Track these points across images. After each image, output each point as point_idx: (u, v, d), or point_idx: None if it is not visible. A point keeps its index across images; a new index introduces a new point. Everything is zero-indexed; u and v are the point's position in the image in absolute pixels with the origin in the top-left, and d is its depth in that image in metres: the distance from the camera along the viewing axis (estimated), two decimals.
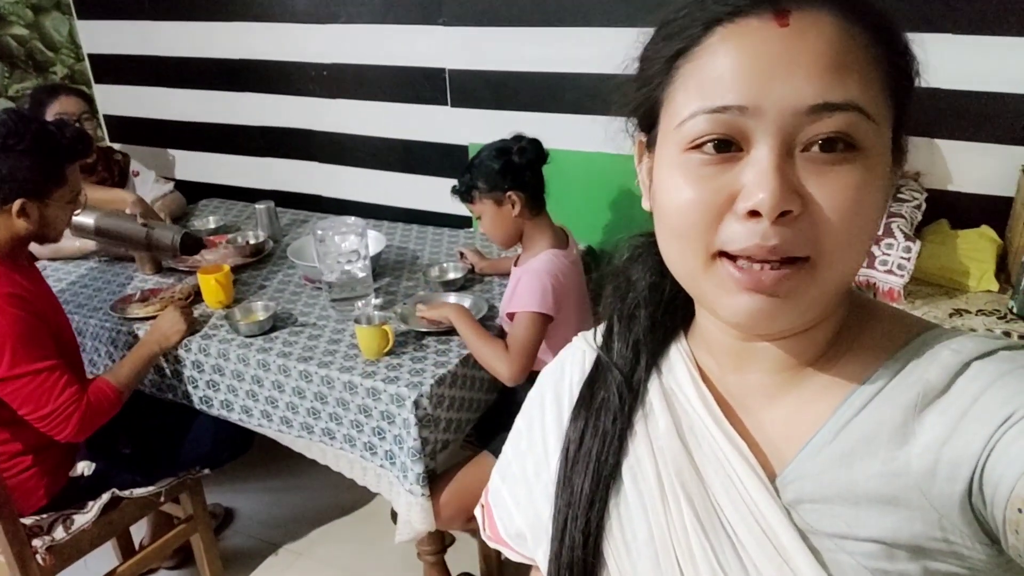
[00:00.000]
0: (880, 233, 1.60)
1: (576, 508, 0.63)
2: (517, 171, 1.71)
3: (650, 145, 0.58)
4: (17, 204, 1.59)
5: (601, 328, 0.70)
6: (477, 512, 0.80)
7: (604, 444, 0.63)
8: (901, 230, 1.59)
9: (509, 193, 1.70)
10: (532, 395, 0.75)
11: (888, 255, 1.59)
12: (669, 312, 0.67)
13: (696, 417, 0.61)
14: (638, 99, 0.58)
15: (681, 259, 0.55)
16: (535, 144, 1.75)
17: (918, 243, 1.58)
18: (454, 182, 1.80)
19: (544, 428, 0.71)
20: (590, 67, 2.10)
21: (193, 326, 1.88)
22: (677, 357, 0.65)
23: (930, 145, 1.81)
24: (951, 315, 1.57)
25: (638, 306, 0.67)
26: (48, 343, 1.62)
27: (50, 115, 2.38)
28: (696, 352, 0.65)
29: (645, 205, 0.61)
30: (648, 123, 0.58)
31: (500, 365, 1.63)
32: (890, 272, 1.57)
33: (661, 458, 0.61)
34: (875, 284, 1.61)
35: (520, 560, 0.75)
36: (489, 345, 1.66)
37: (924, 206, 1.74)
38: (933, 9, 1.70)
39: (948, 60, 1.69)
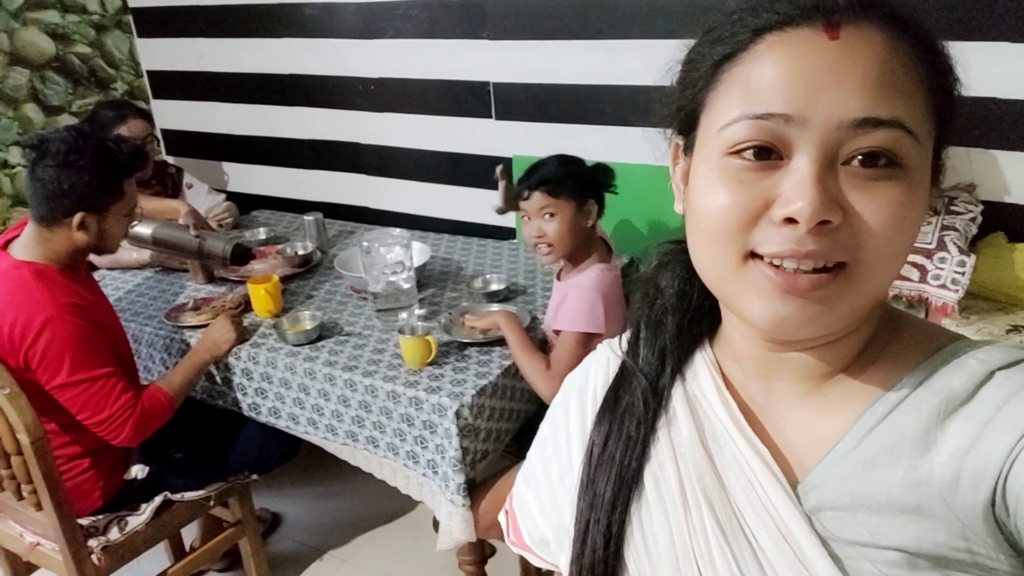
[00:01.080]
0: (933, 247, 1.57)
1: (598, 511, 0.63)
2: (600, 187, 1.75)
3: (687, 148, 0.59)
4: (77, 218, 1.65)
5: (626, 335, 0.70)
6: (501, 518, 0.81)
7: (627, 448, 0.64)
8: (955, 244, 1.55)
9: (591, 200, 1.71)
10: (557, 401, 0.75)
11: (941, 269, 1.55)
12: (696, 319, 0.67)
13: (719, 424, 0.61)
14: (680, 101, 0.58)
15: (712, 261, 0.55)
16: (613, 173, 1.78)
17: (973, 257, 1.54)
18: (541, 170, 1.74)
19: (568, 434, 0.71)
20: (632, 79, 2.10)
21: (243, 335, 1.93)
22: (702, 364, 0.65)
23: (985, 156, 1.76)
24: (1008, 331, 1.52)
25: (665, 313, 0.67)
26: (106, 351, 1.68)
27: None
28: (721, 359, 0.65)
29: (678, 208, 0.61)
30: (687, 126, 0.58)
31: (540, 382, 1.64)
32: (943, 287, 1.54)
33: (683, 464, 0.61)
34: (928, 299, 1.57)
35: (543, 566, 0.76)
36: (532, 359, 1.66)
37: (980, 219, 1.70)
38: (987, 17, 1.66)
39: (1005, 69, 1.65)
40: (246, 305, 2.09)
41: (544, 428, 0.76)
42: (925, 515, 0.50)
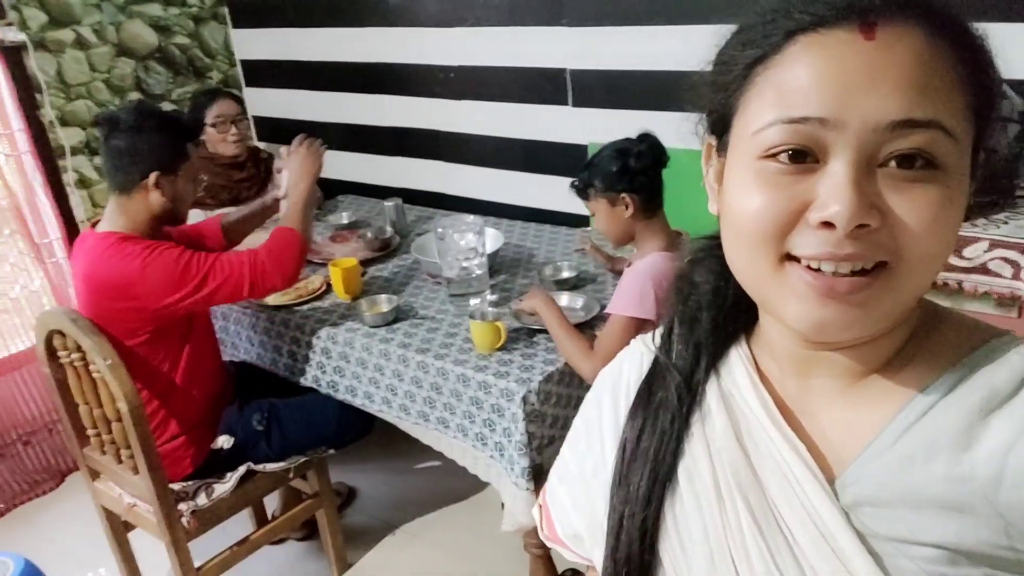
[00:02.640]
0: None
1: (633, 505, 0.64)
2: (633, 174, 1.70)
3: (720, 149, 0.58)
4: (153, 177, 1.79)
5: (660, 330, 0.70)
6: (535, 512, 0.81)
7: (662, 443, 0.64)
8: None
9: (623, 195, 1.70)
10: (590, 397, 0.75)
11: None
12: (731, 316, 0.66)
13: (754, 419, 0.61)
14: (712, 103, 0.58)
15: (750, 264, 0.54)
16: (655, 147, 1.72)
17: None
18: (572, 180, 1.81)
19: (602, 428, 0.71)
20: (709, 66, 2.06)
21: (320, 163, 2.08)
22: (737, 360, 0.65)
23: None
24: None
25: (700, 309, 0.67)
26: (206, 255, 1.84)
27: (210, 117, 2.64)
28: (758, 355, 0.65)
29: (712, 209, 0.61)
30: (721, 127, 0.58)
31: (583, 363, 1.63)
32: None
33: (718, 459, 0.61)
34: (1021, 297, 1.49)
35: (577, 560, 0.76)
36: (573, 340, 1.67)
37: None
38: None
39: None
40: (327, 287, 2.17)
41: (577, 423, 0.76)
42: (967, 512, 0.50)
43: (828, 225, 0.48)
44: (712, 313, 0.66)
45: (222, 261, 1.82)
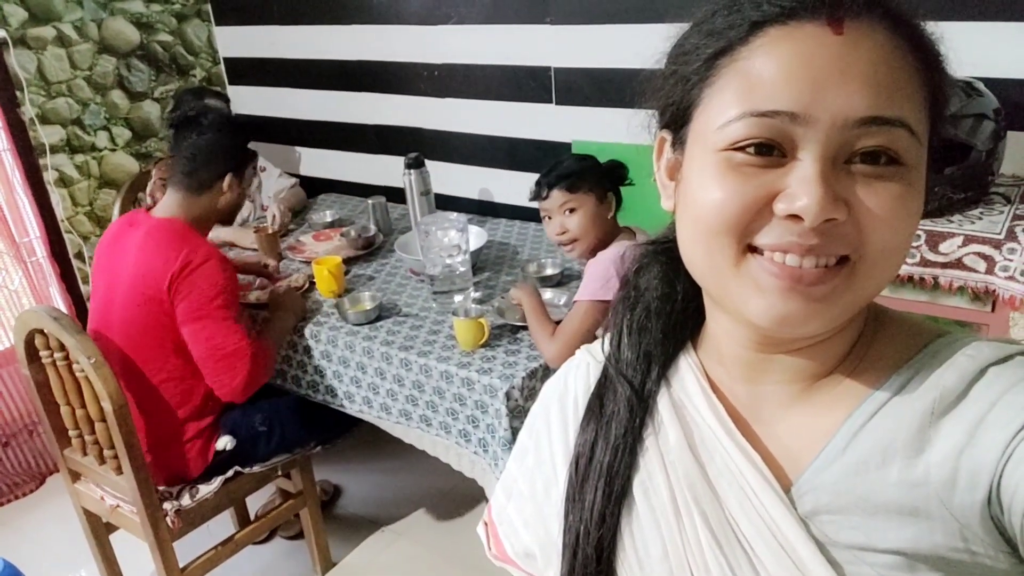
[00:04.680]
0: (1003, 237, 1.50)
1: (588, 524, 0.62)
2: (617, 180, 1.77)
3: (677, 143, 0.57)
4: (228, 179, 1.88)
5: (607, 340, 0.67)
6: (480, 530, 0.78)
7: (615, 457, 0.62)
8: None
9: (610, 192, 1.73)
10: (536, 411, 0.73)
11: (1011, 260, 1.49)
12: (679, 323, 0.65)
13: (707, 429, 0.59)
14: (671, 96, 0.56)
15: (709, 257, 0.53)
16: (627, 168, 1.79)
17: None
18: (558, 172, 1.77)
19: (552, 444, 0.69)
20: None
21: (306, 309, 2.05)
22: (687, 368, 0.63)
23: None
24: None
25: (648, 316, 0.65)
26: (237, 300, 1.88)
27: None
28: (706, 362, 0.63)
29: (666, 205, 0.59)
30: (679, 120, 0.56)
31: (544, 345, 1.66)
32: (1012, 279, 1.47)
33: (673, 472, 0.59)
34: (995, 291, 1.51)
35: None
36: (541, 325, 1.69)
37: None
38: None
39: None
40: (310, 284, 2.17)
41: (523, 438, 0.73)
42: (922, 516, 0.50)
43: (795, 218, 0.48)
44: (661, 321, 0.65)
45: (240, 329, 1.81)
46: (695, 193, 0.53)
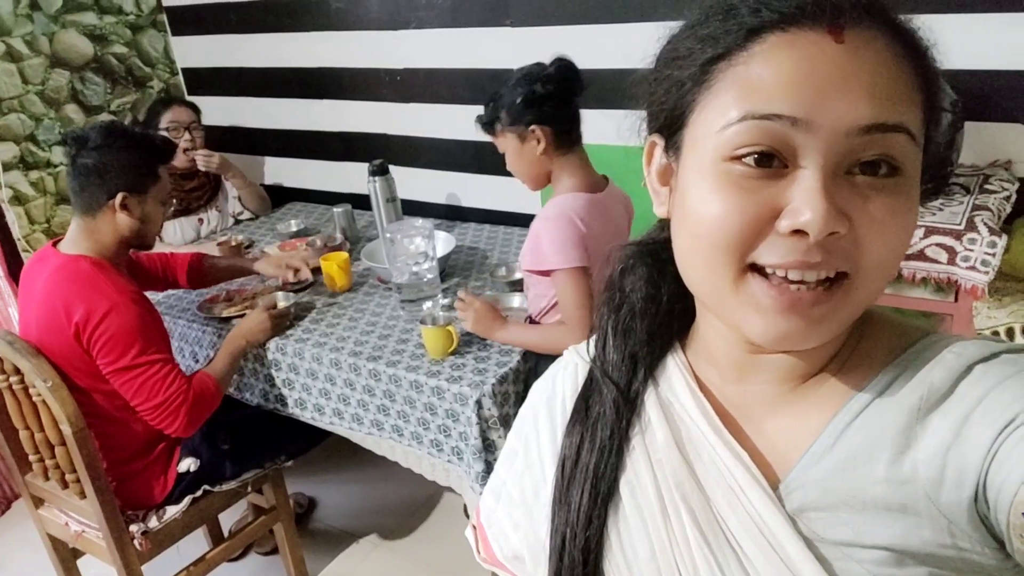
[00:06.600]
0: (963, 228, 1.52)
1: (575, 526, 0.62)
2: (541, 102, 1.53)
3: (670, 148, 0.56)
4: (119, 198, 1.72)
5: (594, 339, 0.68)
6: (468, 533, 0.78)
7: (601, 458, 0.62)
8: (986, 224, 1.50)
9: (533, 128, 1.53)
10: (524, 413, 0.73)
11: (971, 251, 1.50)
12: (665, 324, 0.65)
13: (695, 428, 0.60)
14: (664, 100, 0.55)
15: (708, 273, 0.52)
16: (564, 70, 1.54)
17: (1004, 238, 1.48)
18: (478, 115, 1.68)
19: (540, 447, 0.69)
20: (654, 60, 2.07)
21: (277, 329, 1.96)
22: (674, 368, 0.63)
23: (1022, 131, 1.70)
24: None
25: (634, 318, 0.65)
26: (162, 339, 1.77)
27: (163, 123, 2.62)
28: (694, 362, 0.63)
29: (659, 212, 0.59)
30: (672, 125, 0.55)
31: (568, 338, 1.49)
32: (972, 269, 1.49)
33: (660, 471, 0.59)
34: (957, 281, 1.53)
35: None
36: (549, 333, 1.62)
37: (1015, 197, 1.64)
38: None
39: None
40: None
41: (512, 441, 0.73)
42: (910, 513, 0.50)
43: (799, 233, 0.47)
44: (647, 322, 0.64)
45: (169, 372, 1.72)
46: (693, 205, 0.52)
